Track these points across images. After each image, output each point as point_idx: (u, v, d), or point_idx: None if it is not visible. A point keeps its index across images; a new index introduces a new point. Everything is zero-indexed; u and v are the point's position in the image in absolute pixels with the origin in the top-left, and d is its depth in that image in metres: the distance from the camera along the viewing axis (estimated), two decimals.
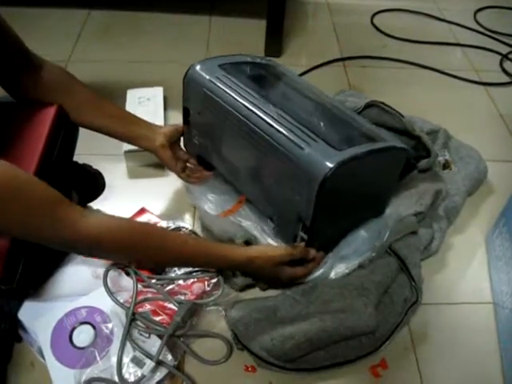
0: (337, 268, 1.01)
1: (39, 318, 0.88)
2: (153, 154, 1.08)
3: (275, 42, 1.57)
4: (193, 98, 1.07)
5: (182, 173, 1.12)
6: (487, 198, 1.26)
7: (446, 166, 1.24)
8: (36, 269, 0.91)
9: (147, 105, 1.31)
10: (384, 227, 1.05)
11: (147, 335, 0.88)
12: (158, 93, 1.35)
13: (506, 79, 1.62)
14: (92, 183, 1.10)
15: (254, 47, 1.61)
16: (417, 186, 1.15)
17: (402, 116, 1.22)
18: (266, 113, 0.93)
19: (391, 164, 1.01)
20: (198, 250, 0.91)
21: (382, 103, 1.27)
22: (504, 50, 1.74)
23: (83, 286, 0.94)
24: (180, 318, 0.89)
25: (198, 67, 1.04)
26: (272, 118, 0.92)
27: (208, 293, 0.97)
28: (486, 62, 1.70)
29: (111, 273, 0.94)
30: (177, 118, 1.18)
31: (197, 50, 1.60)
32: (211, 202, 1.12)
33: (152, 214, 1.10)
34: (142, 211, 1.10)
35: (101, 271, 0.94)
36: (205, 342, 0.93)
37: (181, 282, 0.97)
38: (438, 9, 1.92)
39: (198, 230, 1.10)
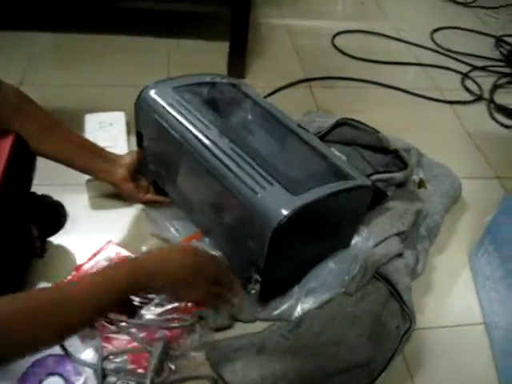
0: (303, 302, 0.95)
1: (1, 371, 0.78)
2: (114, 187, 1.03)
3: (238, 63, 1.52)
4: (145, 123, 1.00)
5: (148, 201, 1.07)
6: (463, 215, 1.24)
7: (420, 184, 1.21)
8: None
9: (109, 130, 1.22)
10: (354, 258, 0.99)
11: None
12: (119, 117, 1.27)
13: (469, 97, 1.63)
14: (53, 215, 1.01)
15: (217, 69, 1.54)
16: (395, 206, 1.12)
17: (377, 131, 1.20)
18: (219, 149, 0.86)
19: (354, 202, 0.95)
20: (92, 292, 0.66)
21: (354, 120, 1.24)
22: (464, 68, 1.76)
23: None
24: (156, 359, 0.80)
25: (151, 90, 0.99)
26: (226, 155, 0.85)
27: (187, 332, 0.88)
28: (448, 81, 1.71)
29: None
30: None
31: (157, 73, 1.52)
32: (175, 230, 1.05)
33: (119, 246, 1.01)
34: (108, 244, 1.01)
35: None
36: None
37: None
38: (396, 29, 1.93)
39: None
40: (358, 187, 0.88)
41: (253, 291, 0.90)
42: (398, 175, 1.15)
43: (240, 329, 0.93)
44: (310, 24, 1.92)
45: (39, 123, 0.90)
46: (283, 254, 0.83)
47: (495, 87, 1.66)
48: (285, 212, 0.77)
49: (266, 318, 0.93)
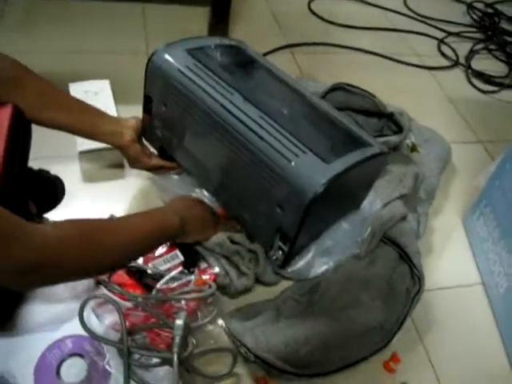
0: (320, 262, 0.95)
1: (16, 357, 0.74)
2: (120, 150, 0.97)
3: (221, 28, 1.48)
4: (157, 88, 0.95)
5: (154, 166, 1.02)
6: (453, 178, 1.27)
7: (413, 148, 1.23)
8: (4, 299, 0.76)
9: (95, 100, 1.15)
10: (364, 220, 1.00)
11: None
12: (105, 86, 1.21)
13: (446, 63, 1.66)
14: (50, 190, 0.95)
15: (198, 34, 1.50)
16: (392, 171, 1.13)
17: (373, 95, 1.20)
18: (247, 115, 0.83)
19: (374, 168, 0.96)
20: (138, 226, 0.75)
21: (349, 85, 1.24)
22: (439, 34, 1.78)
23: (62, 310, 0.81)
24: (181, 334, 0.79)
25: (164, 53, 0.92)
26: (254, 122, 0.82)
27: (203, 304, 0.87)
28: (425, 47, 1.73)
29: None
30: (128, 113, 1.06)
31: (135, 39, 1.47)
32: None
33: None
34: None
35: (81, 290, 0.81)
36: (208, 359, 0.83)
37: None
38: None
39: None
40: (379, 154, 0.88)
41: (274, 257, 0.89)
42: (393, 139, 1.16)
43: (255, 295, 0.94)
44: None
45: (39, 92, 0.86)
46: (312, 222, 0.82)
47: (471, 52, 1.69)
48: (321, 181, 0.75)
49: (285, 275, 0.95)
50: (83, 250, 0.64)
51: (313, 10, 1.77)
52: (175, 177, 1.05)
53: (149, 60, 0.94)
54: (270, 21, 1.69)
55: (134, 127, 0.96)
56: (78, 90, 1.18)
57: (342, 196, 0.92)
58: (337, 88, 1.24)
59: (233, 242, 0.94)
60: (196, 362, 0.80)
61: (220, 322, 0.87)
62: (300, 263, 0.92)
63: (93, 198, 1.04)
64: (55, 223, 0.65)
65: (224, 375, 0.81)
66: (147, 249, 0.81)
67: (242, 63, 1.02)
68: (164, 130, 0.99)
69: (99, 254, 0.67)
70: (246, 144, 0.82)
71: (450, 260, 1.08)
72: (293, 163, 0.78)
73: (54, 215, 0.97)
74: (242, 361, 0.84)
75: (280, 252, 0.88)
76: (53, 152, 1.07)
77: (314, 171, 0.77)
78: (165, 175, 1.05)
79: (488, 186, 1.08)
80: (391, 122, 1.21)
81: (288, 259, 0.89)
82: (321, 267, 0.95)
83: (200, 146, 0.93)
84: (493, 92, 1.57)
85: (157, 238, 0.79)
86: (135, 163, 1.01)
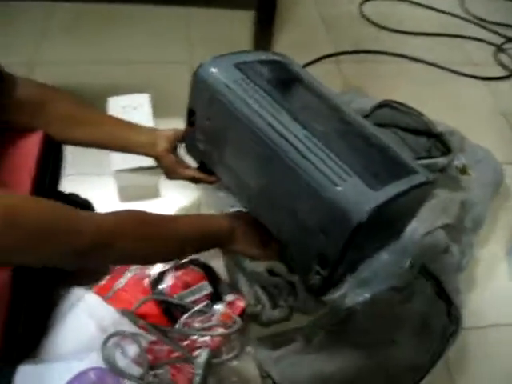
0: (356, 294, 0.93)
1: None
2: (155, 160, 0.97)
3: (265, 35, 1.44)
4: (202, 102, 0.92)
5: (190, 177, 1.00)
6: (503, 204, 1.20)
7: (463, 170, 1.16)
8: (32, 327, 0.78)
9: (133, 115, 1.15)
10: (404, 250, 0.96)
11: None
12: (144, 100, 1.20)
13: (503, 72, 1.56)
14: None
15: (240, 42, 1.48)
16: (437, 195, 1.07)
17: (421, 114, 1.15)
18: (294, 135, 0.80)
19: (419, 197, 0.91)
20: (191, 224, 0.83)
21: (396, 102, 1.19)
22: (497, 40, 1.68)
23: (88, 341, 0.81)
24: (201, 372, 0.78)
25: (211, 67, 0.89)
26: (301, 142, 0.79)
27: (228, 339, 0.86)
28: (480, 54, 1.63)
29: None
30: (167, 127, 1.04)
31: (179, 47, 1.46)
32: None
33: None
34: None
35: (106, 323, 0.82)
36: None
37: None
38: None
39: None
40: (425, 183, 0.84)
41: (311, 282, 0.87)
42: (441, 160, 1.11)
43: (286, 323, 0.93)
44: None
45: (66, 113, 0.86)
46: (355, 249, 0.80)
47: None
48: (367, 209, 0.72)
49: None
50: (137, 236, 0.70)
51: (363, 13, 1.70)
52: (221, 194, 1.06)
53: (195, 73, 0.92)
54: (317, 25, 1.64)
55: (169, 137, 0.95)
56: (116, 105, 1.18)
57: (386, 225, 0.88)
58: (384, 105, 1.19)
59: (272, 273, 0.93)
60: None
61: (248, 348, 0.86)
62: (335, 295, 0.91)
63: None
64: (114, 211, 0.69)
65: None
66: (196, 247, 0.84)
67: (287, 80, 0.98)
68: (206, 143, 0.97)
69: (152, 243, 0.73)
70: (292, 165, 0.79)
71: (492, 296, 1.02)
72: (339, 188, 0.75)
73: None
74: None
75: (317, 277, 0.85)
76: (89, 171, 1.08)
77: (360, 198, 0.75)
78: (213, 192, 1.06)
79: None
80: (439, 142, 1.15)
81: (326, 287, 0.87)
82: (356, 298, 0.93)
83: (242, 163, 0.91)
84: None
85: (206, 238, 0.84)
86: (171, 174, 0.99)
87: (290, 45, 1.52)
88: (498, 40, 1.68)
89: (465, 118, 1.33)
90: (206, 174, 1.01)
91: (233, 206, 1.05)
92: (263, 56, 0.98)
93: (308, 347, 0.87)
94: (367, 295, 0.91)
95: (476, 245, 1.08)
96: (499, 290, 1.04)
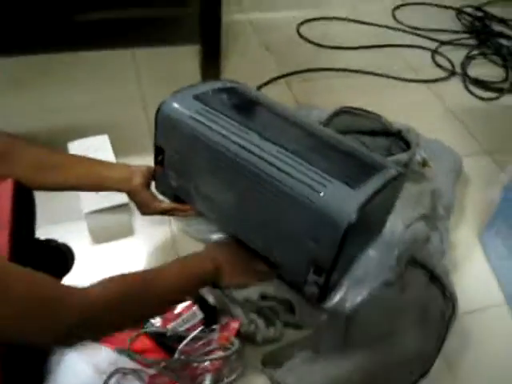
0: (353, 294, 0.94)
1: None
2: (128, 196, 0.96)
3: (213, 65, 1.47)
4: (169, 137, 0.94)
5: (166, 210, 0.99)
6: (466, 191, 1.25)
7: (424, 164, 1.21)
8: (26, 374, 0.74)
9: (96, 157, 1.15)
10: (388, 245, 0.99)
11: None
12: (103, 141, 1.21)
13: (442, 74, 1.65)
14: (60, 260, 0.94)
15: (190, 74, 1.51)
16: (407, 189, 1.10)
17: (379, 116, 1.20)
18: (268, 153, 0.83)
19: (394, 190, 0.95)
20: (174, 275, 0.80)
21: (352, 108, 1.24)
22: (431, 45, 1.77)
23: None
24: None
25: (172, 102, 0.92)
26: (276, 158, 0.82)
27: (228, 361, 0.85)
28: (419, 59, 1.72)
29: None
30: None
31: (128, 87, 1.46)
32: None
33: None
34: None
35: (103, 365, 0.80)
36: None
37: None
38: (358, 12, 1.91)
39: None
40: (398, 175, 0.88)
41: (309, 292, 0.88)
42: (403, 156, 1.15)
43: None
44: (272, 16, 1.88)
45: (34, 160, 0.85)
46: (347, 251, 0.81)
47: (467, 59, 1.68)
48: (354, 208, 0.75)
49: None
50: (125, 306, 0.68)
51: (302, 35, 1.77)
52: (196, 222, 1.07)
53: (158, 111, 0.94)
54: (260, 51, 1.69)
55: (143, 172, 0.95)
56: (76, 150, 1.18)
57: (371, 221, 0.92)
58: (340, 112, 1.24)
59: (264, 297, 0.93)
60: None
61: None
62: (335, 299, 0.92)
63: (104, 259, 1.02)
64: (96, 283, 0.66)
65: None
66: (184, 295, 0.85)
67: (247, 103, 1.02)
68: (178, 179, 0.98)
69: (139, 307, 0.72)
70: (271, 181, 0.82)
71: (470, 281, 1.05)
72: (322, 194, 0.78)
73: (66, 281, 0.96)
74: None
75: (315, 286, 0.86)
76: (59, 217, 1.06)
77: (344, 199, 0.78)
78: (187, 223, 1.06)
79: (504, 201, 1.06)
80: (399, 139, 1.20)
81: (324, 294, 0.88)
82: (356, 299, 0.94)
83: (220, 190, 0.92)
84: (493, 99, 1.55)
85: (192, 285, 0.84)
86: (146, 209, 0.98)
87: (238, 73, 1.54)
88: (433, 45, 1.77)
89: (416, 118, 1.37)
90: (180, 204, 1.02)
91: (212, 232, 1.05)
92: (219, 84, 1.02)
93: (317, 356, 0.88)
94: (365, 293, 0.93)
95: (450, 230, 1.12)
96: (479, 272, 1.08)
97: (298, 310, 0.92)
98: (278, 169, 0.81)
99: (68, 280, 0.95)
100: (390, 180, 0.85)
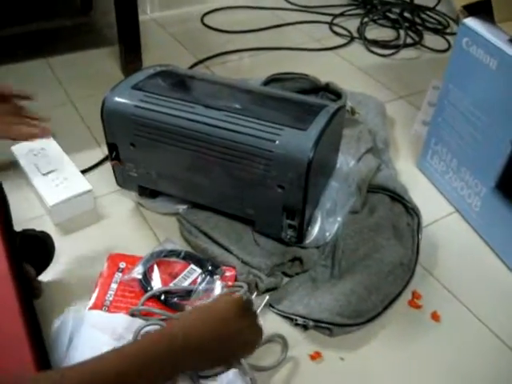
0: (329, 223, 1.01)
1: None
2: None
3: (135, 60, 1.49)
4: (119, 132, 0.97)
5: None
6: (392, 131, 1.37)
7: (353, 112, 1.32)
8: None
9: (46, 154, 1.13)
10: (346, 176, 1.08)
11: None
12: (47, 140, 1.18)
13: (343, 41, 1.80)
14: (41, 247, 0.92)
15: (108, 72, 1.53)
16: (345, 134, 1.20)
17: (305, 74, 1.29)
18: (216, 119, 0.89)
19: (339, 122, 1.04)
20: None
21: (280, 73, 1.32)
22: (327, 18, 1.92)
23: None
24: None
25: (114, 97, 0.96)
26: (226, 122, 0.88)
27: None
28: (320, 32, 1.85)
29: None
30: (82, 161, 1.17)
31: (54, 94, 1.44)
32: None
33: (126, 254, 0.96)
34: (115, 257, 0.95)
35: (121, 330, 0.79)
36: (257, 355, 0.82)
37: None
38: (251, 0, 2.03)
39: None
40: (339, 108, 0.96)
41: (288, 237, 0.93)
42: (338, 103, 1.24)
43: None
44: (174, 13, 1.94)
45: None
46: (312, 188, 0.88)
47: (361, 25, 1.85)
48: (309, 145, 0.82)
49: (305, 246, 0.98)
50: None
51: (207, 25, 1.84)
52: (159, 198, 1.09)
53: (102, 108, 0.96)
54: (173, 43, 1.73)
55: None
56: (22, 151, 1.14)
57: (325, 156, 0.99)
58: (269, 81, 1.31)
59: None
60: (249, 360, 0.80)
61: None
62: (314, 232, 0.97)
63: (76, 250, 1.00)
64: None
65: (280, 362, 0.83)
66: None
67: (184, 80, 1.08)
68: (138, 168, 1.02)
69: None
70: (228, 144, 0.87)
71: (420, 201, 1.15)
72: (277, 142, 0.85)
73: (47, 277, 0.94)
74: (292, 343, 0.85)
75: (291, 229, 0.92)
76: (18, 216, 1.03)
77: (298, 141, 0.85)
78: (149, 200, 1.08)
79: (433, 126, 1.19)
80: (328, 92, 1.30)
81: (301, 233, 0.93)
82: (333, 227, 1.01)
83: (183, 167, 0.96)
84: (392, 54, 1.72)
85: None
86: None
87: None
88: (327, 18, 1.92)
89: (331, 79, 1.48)
90: (145, 196, 1.07)
91: (179, 203, 1.08)
92: (151, 70, 1.07)
93: (316, 284, 0.93)
94: (339, 219, 1.00)
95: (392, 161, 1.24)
96: (426, 192, 1.19)
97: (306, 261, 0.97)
98: (231, 131, 0.87)
99: (48, 275, 0.94)
100: (333, 114, 0.93)
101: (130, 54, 1.48)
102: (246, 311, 0.73)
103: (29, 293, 0.72)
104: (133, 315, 0.83)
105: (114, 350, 0.63)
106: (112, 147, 1.00)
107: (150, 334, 0.71)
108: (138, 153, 0.98)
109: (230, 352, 0.73)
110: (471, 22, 0.98)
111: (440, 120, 1.16)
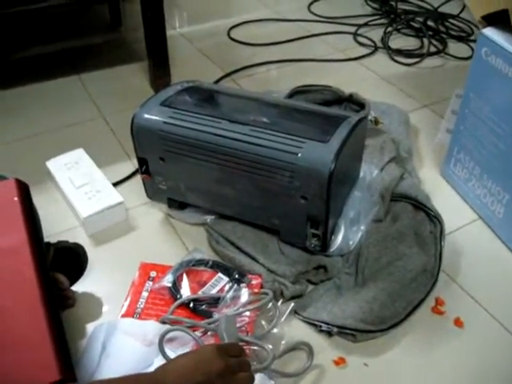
0: (352, 232, 1.03)
1: None
2: None
3: (164, 75, 1.54)
4: (149, 146, 1.02)
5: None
6: (417, 140, 1.38)
7: (376, 122, 1.33)
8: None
9: (78, 168, 1.19)
10: (369, 186, 1.10)
11: None
12: (81, 154, 1.23)
13: (367, 51, 1.81)
14: (74, 258, 0.96)
15: (138, 88, 1.59)
16: (369, 144, 1.23)
17: (329, 86, 1.31)
18: (242, 134, 0.92)
19: (361, 133, 1.06)
20: None
21: (303, 86, 1.35)
22: (351, 29, 1.95)
23: (136, 359, 0.82)
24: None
25: (143, 114, 1.00)
26: (251, 136, 0.91)
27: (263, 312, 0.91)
28: (344, 43, 1.88)
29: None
30: (114, 174, 1.20)
31: (85, 109, 1.50)
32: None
33: (156, 263, 1.00)
34: (146, 266, 1.00)
35: (152, 336, 0.83)
36: (283, 361, 0.86)
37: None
38: (277, 13, 2.07)
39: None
40: (362, 118, 0.99)
41: (312, 246, 0.96)
42: (361, 114, 1.26)
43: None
44: (201, 28, 1.99)
45: None
46: (335, 198, 0.91)
47: (385, 35, 1.86)
48: (330, 157, 0.85)
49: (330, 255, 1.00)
50: None
51: (234, 38, 1.88)
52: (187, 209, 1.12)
53: (132, 125, 1.01)
54: (201, 57, 1.78)
55: None
56: (57, 166, 1.20)
57: (347, 166, 1.01)
58: (294, 93, 1.34)
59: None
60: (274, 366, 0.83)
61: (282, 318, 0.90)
62: (338, 240, 1.00)
63: (108, 261, 1.05)
64: None
65: (306, 369, 0.85)
66: None
67: (210, 96, 1.12)
68: (167, 182, 1.06)
69: None
70: (252, 157, 0.91)
71: (444, 208, 1.15)
72: (299, 154, 0.88)
73: (81, 287, 0.98)
74: (317, 349, 0.87)
75: (315, 238, 0.95)
76: (57, 229, 1.09)
77: (320, 153, 0.88)
78: (178, 211, 1.12)
79: (455, 134, 1.20)
80: (352, 102, 1.33)
81: (325, 241, 0.96)
82: (356, 235, 1.03)
83: (211, 180, 1.00)
84: (416, 63, 1.73)
85: None
86: None
87: (186, 78, 1.63)
88: (351, 29, 1.94)
89: (356, 89, 1.50)
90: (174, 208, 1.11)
91: (206, 214, 1.11)
92: (179, 87, 1.11)
93: (340, 291, 0.96)
94: (363, 228, 1.02)
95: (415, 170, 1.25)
96: (450, 200, 1.20)
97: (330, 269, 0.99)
98: (255, 144, 0.91)
99: (83, 286, 0.98)
100: (355, 125, 0.96)
101: (159, 69, 1.53)
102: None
103: (54, 299, 0.74)
104: (164, 322, 0.86)
105: None
106: (142, 161, 1.05)
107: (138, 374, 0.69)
108: (167, 167, 1.03)
109: None
110: (490, 32, 0.99)
111: (462, 128, 1.17)
